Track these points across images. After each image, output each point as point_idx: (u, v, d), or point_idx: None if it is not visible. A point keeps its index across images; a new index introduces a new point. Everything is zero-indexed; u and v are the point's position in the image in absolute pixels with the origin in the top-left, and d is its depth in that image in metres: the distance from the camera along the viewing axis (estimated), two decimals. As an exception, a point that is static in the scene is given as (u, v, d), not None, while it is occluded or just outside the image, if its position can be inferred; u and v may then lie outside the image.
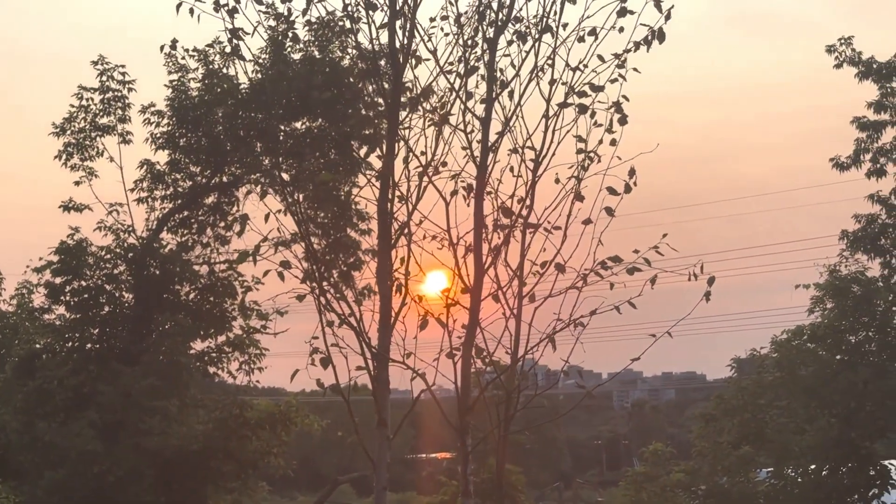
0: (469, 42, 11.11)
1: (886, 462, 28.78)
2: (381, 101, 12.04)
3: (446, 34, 11.23)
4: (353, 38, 11.46)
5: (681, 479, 29.81)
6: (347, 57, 25.49)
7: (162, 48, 16.70)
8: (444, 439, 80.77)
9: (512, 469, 26.30)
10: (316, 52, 25.53)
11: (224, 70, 26.82)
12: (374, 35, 11.26)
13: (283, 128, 25.54)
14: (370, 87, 24.80)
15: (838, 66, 30.36)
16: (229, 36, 11.03)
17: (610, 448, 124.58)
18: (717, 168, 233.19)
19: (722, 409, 30.77)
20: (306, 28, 24.74)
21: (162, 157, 27.51)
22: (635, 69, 10.95)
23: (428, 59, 11.23)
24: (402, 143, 11.23)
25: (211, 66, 26.99)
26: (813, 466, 28.50)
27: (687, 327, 10.89)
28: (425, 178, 11.08)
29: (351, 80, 25.13)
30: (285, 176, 24.38)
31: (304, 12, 11.36)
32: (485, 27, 11.08)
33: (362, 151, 24.20)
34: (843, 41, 30.35)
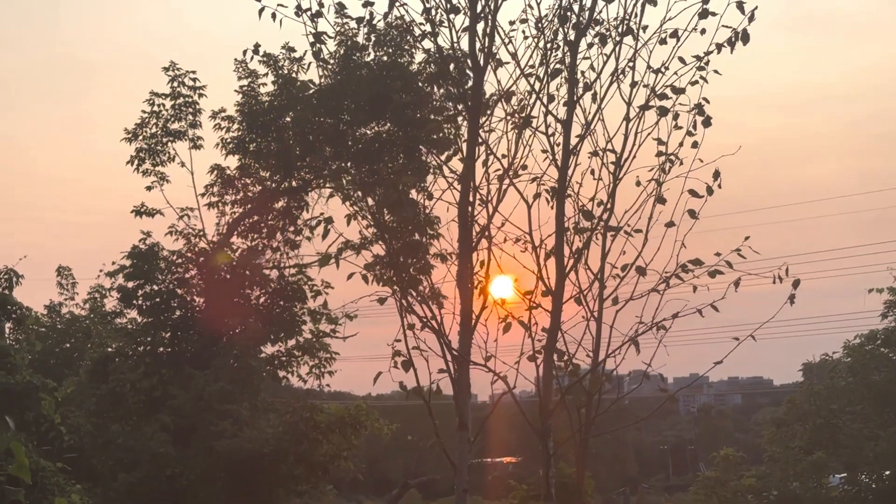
0: (550, 45, 11.09)
1: (962, 469, 28.42)
2: (450, 104, 12.04)
3: (526, 37, 11.23)
4: (434, 42, 11.45)
5: (752, 483, 29.58)
6: (417, 61, 25.55)
7: (245, 52, 16.77)
8: (509, 443, 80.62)
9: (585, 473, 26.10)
10: (386, 57, 25.55)
11: (295, 75, 26.91)
12: (455, 38, 11.28)
13: (353, 132, 25.58)
14: (440, 91, 25.02)
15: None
16: (312, 40, 11.09)
17: (676, 453, 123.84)
18: (788, 172, 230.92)
19: (794, 414, 30.52)
20: (377, 33, 24.78)
21: (232, 162, 27.68)
22: (716, 71, 10.90)
23: (508, 63, 11.24)
24: (482, 146, 11.24)
25: (281, 71, 27.08)
26: (887, 472, 28.19)
27: (758, 331, 10.76)
28: (506, 181, 11.08)
29: (420, 83, 25.17)
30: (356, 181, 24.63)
31: (385, 15, 11.40)
32: (566, 30, 11.06)
33: (431, 156, 24.23)
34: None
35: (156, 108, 27.54)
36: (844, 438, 28.78)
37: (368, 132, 26.09)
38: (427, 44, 11.83)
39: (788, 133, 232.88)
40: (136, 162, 27.39)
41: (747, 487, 29.61)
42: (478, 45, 11.30)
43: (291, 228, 28.10)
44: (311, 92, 25.73)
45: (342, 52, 25.15)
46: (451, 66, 11.82)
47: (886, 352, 29.18)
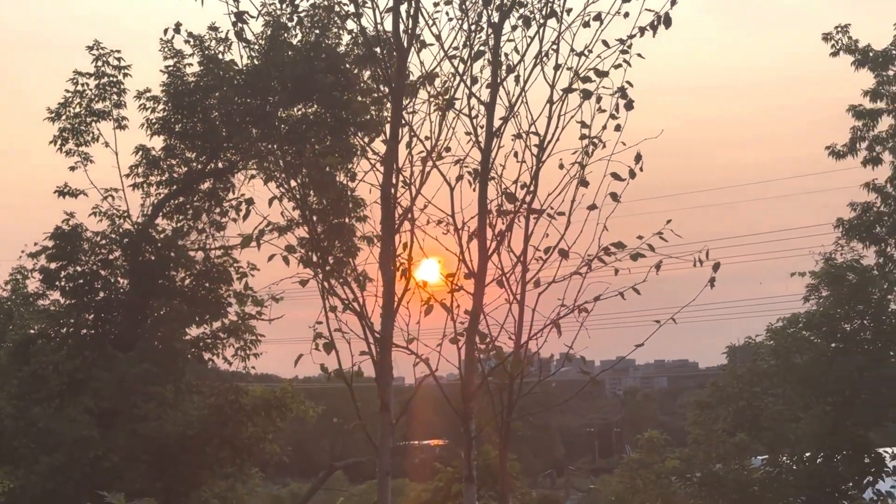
0: (474, 27, 11.07)
1: (881, 450, 28.81)
2: (378, 87, 12.00)
3: (451, 19, 11.20)
4: (357, 23, 11.39)
5: (676, 465, 29.78)
6: (344, 43, 25.49)
7: (165, 31, 16.62)
8: (436, 426, 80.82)
9: (507, 456, 26.18)
10: (314, 38, 25.45)
11: (221, 55, 26.74)
12: (379, 19, 11.24)
13: (279, 114, 25.47)
14: (367, 73, 24.94)
15: (835, 54, 30.42)
16: (234, 20, 11.00)
17: (602, 436, 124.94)
18: (716, 157, 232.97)
19: (717, 396, 30.80)
20: (304, 13, 24.68)
21: (157, 143, 27.50)
22: (640, 55, 10.93)
23: (432, 44, 11.21)
24: (405, 127, 11.21)
25: (208, 52, 26.90)
26: (808, 454, 28.53)
27: (680, 315, 10.85)
28: (429, 163, 11.06)
29: (348, 65, 25.11)
30: (281, 162, 24.49)
31: (308, -4, 11.34)
32: (490, 11, 11.04)
33: (359, 137, 24.20)
34: (839, 29, 30.42)
35: (79, 88, 27.24)
36: (766, 421, 29.08)
37: (296, 113, 25.99)
38: (351, 24, 11.77)
39: (714, 118, 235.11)
40: (59, 142, 27.08)
41: (671, 469, 29.80)
42: (401, 26, 11.26)
43: (217, 210, 27.96)
44: (236, 72, 25.61)
45: (268, 32, 25.03)
46: (379, 49, 11.76)
47: (808, 335, 29.51)
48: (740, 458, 29.02)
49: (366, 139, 11.61)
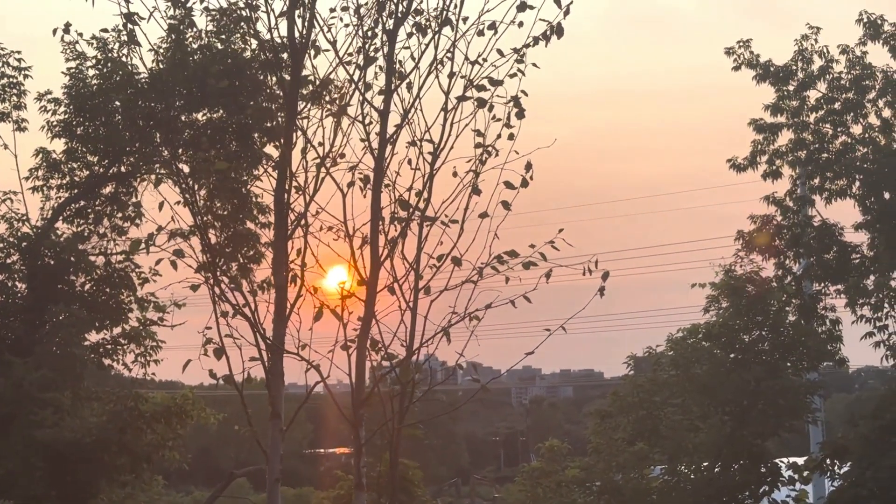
0: (369, 33, 11.08)
1: (777, 460, 29.18)
2: (281, 92, 11.97)
3: (346, 25, 11.20)
4: (252, 28, 11.35)
5: (576, 474, 29.95)
6: (249, 48, 25.33)
7: (54, 31, 16.41)
8: (342, 434, 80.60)
9: (409, 464, 26.28)
10: (217, 43, 25.26)
11: (122, 58, 26.45)
12: (273, 24, 11.21)
13: (182, 118, 25.25)
14: (272, 79, 24.82)
15: (737, 68, 30.84)
16: (124, 21, 10.90)
17: (507, 444, 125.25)
18: (615, 168, 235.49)
19: (618, 405, 30.95)
20: (205, 16, 24.51)
21: (58, 146, 27.10)
22: (534, 64, 11.01)
23: (327, 50, 11.20)
24: (299, 133, 11.18)
25: (109, 54, 26.59)
26: (706, 463, 28.77)
27: (585, 325, 11.04)
28: (322, 170, 11.04)
29: (252, 71, 24.96)
30: (184, 167, 24.30)
31: (202, -1, 11.27)
32: (385, 18, 11.05)
33: (256, 141, 24.11)
34: (741, 44, 30.85)
35: (-23, 88, 26.82)
36: (665, 430, 29.27)
37: (200, 118, 25.78)
38: (245, 28, 11.69)
39: (612, 129, 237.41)
40: (-45, 143, 26.64)
41: (571, 478, 29.97)
42: (296, 31, 11.23)
43: (119, 214, 27.63)
44: (139, 75, 25.35)
45: (173, 36, 24.81)
46: (272, 54, 11.73)
47: (707, 345, 29.77)
48: (640, 467, 29.24)
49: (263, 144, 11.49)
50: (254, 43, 24.88)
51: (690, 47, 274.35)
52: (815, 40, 30.69)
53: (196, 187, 12.13)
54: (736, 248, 30.63)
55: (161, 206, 10.55)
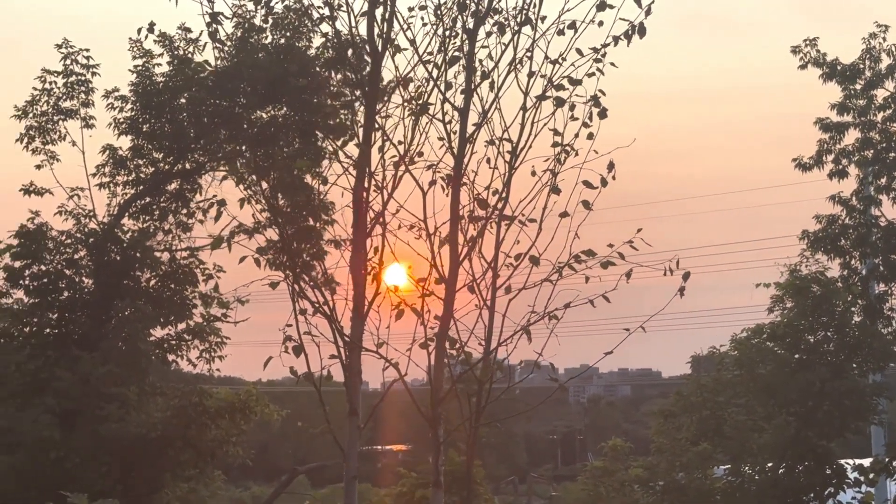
0: (448, 33, 11.08)
1: (842, 461, 28.96)
2: (348, 91, 12.01)
3: (425, 24, 11.21)
4: (331, 26, 11.38)
5: (639, 474, 29.87)
6: (314, 46, 25.42)
7: (139, 31, 16.52)
8: (400, 431, 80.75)
9: (474, 461, 26.27)
10: (284, 40, 25.37)
11: (191, 56, 26.63)
12: (353, 23, 11.23)
13: (248, 115, 25.39)
14: (338, 76, 24.89)
15: (803, 67, 30.54)
16: (209, 20, 10.96)
17: (565, 443, 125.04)
18: (676, 168, 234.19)
19: (681, 405, 30.86)
20: (275, 15, 24.59)
21: (125, 143, 27.29)
22: (613, 64, 10.98)
23: (407, 49, 11.21)
24: (378, 131, 11.20)
25: (177, 52, 26.77)
26: (770, 464, 28.62)
27: (646, 324, 10.87)
28: (401, 168, 11.06)
29: (318, 68, 25.05)
30: (240, 165, 24.42)
31: (283, -2, 11.33)
32: (465, 17, 11.05)
33: (327, 141, 24.15)
34: (808, 42, 30.52)
35: (47, 86, 27.06)
36: (729, 430, 29.16)
37: (264, 115, 25.90)
38: (325, 27, 11.73)
39: (682, 128, 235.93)
40: (25, 140, 26.90)
41: (634, 477, 29.90)
42: (376, 30, 11.25)
43: (184, 211, 27.82)
44: (206, 73, 25.52)
45: (239, 33, 24.93)
46: (350, 52, 11.75)
47: (772, 346, 29.61)
48: (703, 467, 29.12)
49: (337, 143, 11.55)
50: (317, 40, 25.10)
51: (751, 46, 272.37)
52: (884, 38, 30.31)
53: (266, 184, 12.15)
54: (801, 248, 30.32)
55: (242, 202, 10.58)
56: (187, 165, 27.61)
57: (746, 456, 28.84)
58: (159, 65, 27.06)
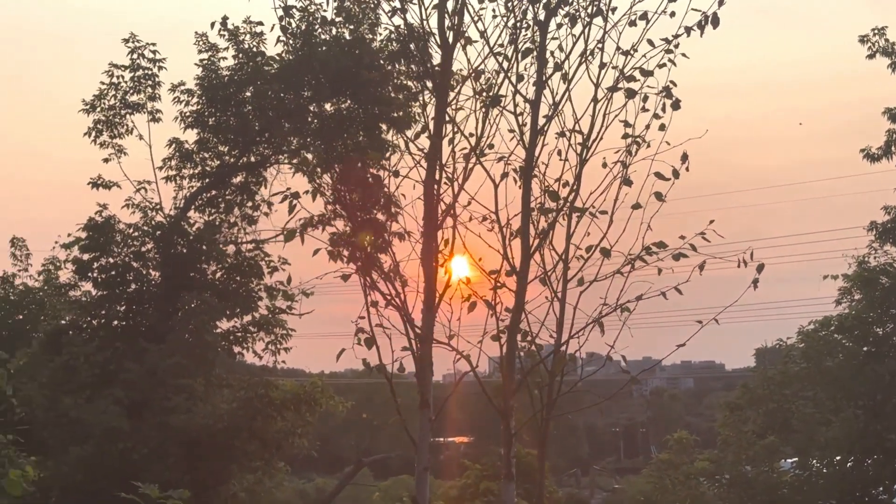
0: (519, 24, 11.05)
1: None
2: (412, 83, 12.03)
3: (496, 16, 11.18)
4: (403, 18, 11.38)
5: (705, 467, 29.75)
6: (378, 39, 25.49)
7: (213, 24, 16.57)
8: (461, 424, 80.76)
9: (534, 454, 26.25)
10: (346, 33, 25.45)
11: (255, 49, 26.78)
12: (424, 16, 11.23)
13: (314, 108, 25.51)
14: (400, 69, 24.91)
15: (871, 56, 30.21)
16: (281, 13, 11.01)
17: (627, 436, 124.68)
18: (742, 159, 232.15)
19: (747, 398, 30.72)
20: (345, 9, 24.64)
21: (191, 136, 27.52)
22: (684, 55, 10.90)
23: (477, 41, 11.19)
24: (449, 123, 11.19)
25: (242, 45, 26.93)
26: (838, 458, 28.44)
27: (708, 316, 10.82)
28: (472, 160, 11.05)
29: (382, 61, 25.11)
30: (309, 156, 24.53)
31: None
32: (536, 9, 11.01)
33: (398, 135, 24.15)
34: (876, 31, 30.20)
35: (114, 80, 27.30)
36: (797, 423, 28.99)
37: (328, 109, 26.00)
38: (396, 20, 11.72)
39: (751, 119, 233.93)
40: (93, 133, 27.16)
41: (700, 470, 29.79)
42: (447, 22, 11.24)
43: (249, 204, 28.00)
44: (273, 67, 25.66)
45: (304, 27, 25.03)
46: (412, 45, 11.76)
47: (840, 338, 29.40)
48: (770, 460, 28.96)
49: (408, 135, 11.56)
50: (382, 34, 25.15)
51: (820, 35, 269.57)
52: (954, 27, 29.93)
53: (330, 177, 12.18)
54: (869, 239, 30.02)
55: (314, 194, 10.61)
56: (252, 158, 27.79)
57: (814, 449, 28.66)
58: (225, 58, 27.26)
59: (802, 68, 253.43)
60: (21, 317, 35.41)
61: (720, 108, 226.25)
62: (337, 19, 24.66)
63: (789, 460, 29.54)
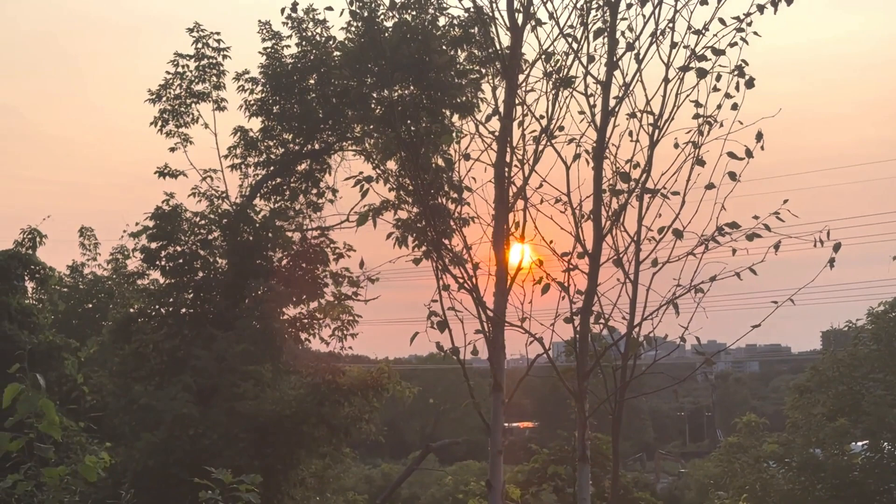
0: (588, 5, 10.98)
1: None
2: (475, 68, 12.02)
3: (564, -3, 11.12)
4: (472, 1, 11.36)
5: (774, 450, 29.53)
6: (440, 24, 25.46)
7: (283, 11, 16.54)
8: (525, 408, 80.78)
9: (602, 438, 26.16)
10: (410, 19, 25.45)
11: (319, 37, 26.86)
12: (494, -2, 11.20)
13: (374, 95, 25.55)
14: (463, 55, 24.87)
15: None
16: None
17: (693, 419, 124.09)
18: (807, 138, 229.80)
19: (816, 380, 30.46)
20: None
21: (255, 125, 27.68)
22: (756, 33, 10.80)
23: (546, 23, 11.14)
24: (520, 105, 11.16)
25: (305, 33, 27.01)
26: (911, 441, 28.16)
27: (775, 297, 10.71)
28: (542, 142, 11.01)
29: (445, 47, 25.07)
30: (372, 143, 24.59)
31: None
32: (607, -11, 10.94)
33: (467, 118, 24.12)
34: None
35: (179, 70, 27.49)
36: (867, 405, 28.71)
37: (391, 95, 26.02)
38: (466, 2, 11.68)
39: (825, 98, 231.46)
40: (159, 123, 27.37)
41: (769, 454, 29.57)
42: (516, 4, 11.21)
43: (314, 191, 28.12)
44: (336, 54, 25.73)
45: (366, 13, 25.07)
46: (476, 29, 11.76)
47: (911, 320, 29.12)
48: (840, 443, 28.70)
49: (477, 117, 11.54)
50: (443, 20, 25.11)
51: (883, 14, 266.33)
52: None
53: (391, 164, 12.23)
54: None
55: (385, 180, 10.64)
56: (317, 146, 27.90)
57: (885, 432, 28.36)
58: (288, 46, 27.37)
59: (879, 47, 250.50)
60: (91, 306, 35.89)
61: (797, 87, 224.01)
62: (398, 2, 24.62)
63: (860, 443, 29.24)
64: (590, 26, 10.87)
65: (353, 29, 23.71)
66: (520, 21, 11.20)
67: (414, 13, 25.44)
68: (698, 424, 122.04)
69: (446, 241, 11.72)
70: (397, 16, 25.34)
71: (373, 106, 25.57)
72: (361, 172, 10.27)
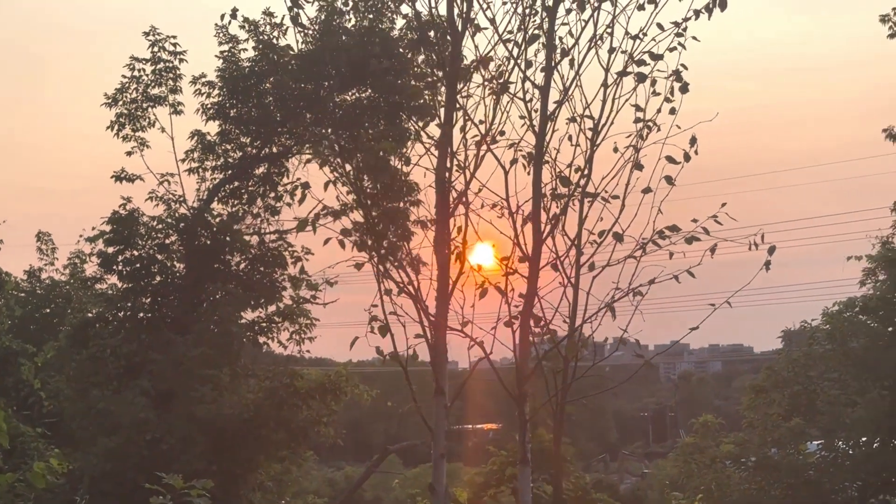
0: (528, 11, 11.07)
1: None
2: (432, 71, 12.08)
3: (504, 2, 11.21)
4: (412, 7, 11.43)
5: (731, 450, 29.73)
6: (397, 27, 25.51)
7: (222, 17, 16.67)
8: (489, 410, 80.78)
9: (561, 439, 26.30)
10: (365, 22, 25.49)
11: (276, 41, 26.83)
12: (433, 3, 11.27)
13: (334, 98, 25.55)
14: (420, 58, 24.91)
15: (893, 35, 29.97)
16: (290, 4, 11.07)
17: (656, 420, 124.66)
18: (766, 140, 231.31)
19: (772, 380, 30.66)
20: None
21: (212, 128, 27.60)
22: (694, 38, 10.91)
23: (486, 28, 11.22)
24: (460, 111, 11.24)
25: (262, 37, 27.00)
26: (864, 439, 28.35)
27: (734, 299, 10.83)
28: (483, 147, 11.09)
29: (402, 50, 25.11)
30: (336, 147, 24.58)
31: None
32: (545, -6, 11.03)
33: (412, 122, 24.18)
34: (896, 11, 29.95)
35: (136, 73, 27.40)
36: (822, 405, 28.95)
37: (348, 98, 26.04)
38: (405, 8, 11.78)
39: (765, 101, 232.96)
40: (116, 127, 27.27)
41: (725, 454, 29.77)
42: (456, 10, 11.28)
43: (272, 194, 28.08)
44: (290, 58, 25.70)
45: (322, 17, 25.08)
46: (432, 33, 11.80)
47: (865, 319, 29.30)
48: (795, 442, 28.92)
49: (419, 123, 11.59)
50: (400, 22, 25.16)
51: (840, 16, 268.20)
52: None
53: (351, 166, 12.26)
54: (893, 220, 29.84)
55: (327, 185, 10.69)
56: (274, 149, 27.86)
57: (840, 431, 28.60)
58: (245, 50, 27.34)
59: (822, 48, 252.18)
60: (48, 310, 35.73)
61: (738, 91, 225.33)
62: (345, 8, 24.63)
63: (815, 442, 29.47)
64: (528, 32, 10.96)
65: (303, 33, 23.67)
66: (459, 26, 11.27)
67: (371, 17, 25.49)
68: (662, 425, 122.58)
69: (405, 244, 11.78)
70: (353, 19, 25.41)
71: (331, 108, 25.57)
72: (299, 178, 10.31)
